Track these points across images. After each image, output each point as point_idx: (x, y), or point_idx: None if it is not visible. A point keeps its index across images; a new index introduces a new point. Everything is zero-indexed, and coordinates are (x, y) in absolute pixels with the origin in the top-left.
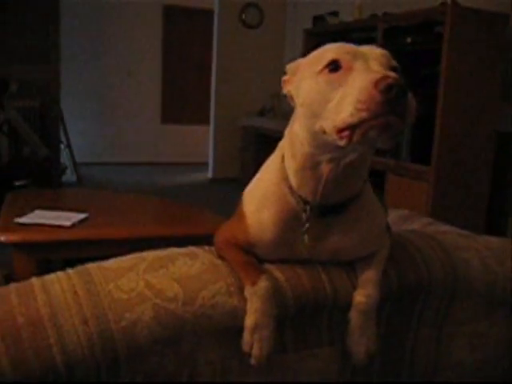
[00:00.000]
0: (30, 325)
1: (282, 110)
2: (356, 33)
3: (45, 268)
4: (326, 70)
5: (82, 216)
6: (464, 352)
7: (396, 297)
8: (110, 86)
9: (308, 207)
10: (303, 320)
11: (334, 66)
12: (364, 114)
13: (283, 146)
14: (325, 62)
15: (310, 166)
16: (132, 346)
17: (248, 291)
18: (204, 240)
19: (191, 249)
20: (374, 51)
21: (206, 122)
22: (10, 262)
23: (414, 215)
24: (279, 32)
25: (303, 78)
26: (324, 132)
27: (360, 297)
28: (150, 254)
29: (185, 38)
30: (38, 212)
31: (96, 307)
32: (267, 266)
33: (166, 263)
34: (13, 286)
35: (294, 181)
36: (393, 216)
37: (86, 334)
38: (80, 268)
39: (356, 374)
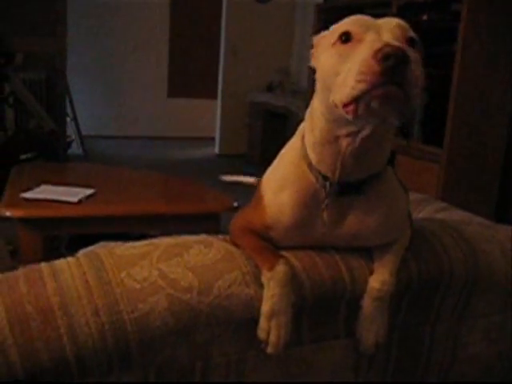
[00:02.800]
0: (39, 314)
1: (290, 86)
2: (369, 9)
3: (50, 244)
4: (339, 42)
5: (89, 192)
6: (481, 345)
7: (416, 288)
8: (117, 59)
9: (328, 183)
10: (320, 310)
11: (345, 37)
12: (363, 86)
13: (303, 127)
14: (338, 33)
15: (329, 140)
16: (145, 337)
17: (265, 276)
18: (210, 218)
19: (205, 236)
20: (389, 22)
21: (213, 96)
22: (16, 237)
23: (427, 199)
24: (290, 7)
25: (322, 51)
26: (336, 106)
27: (374, 282)
28: (162, 242)
29: (193, 11)
30: (43, 187)
31: (108, 297)
32: (284, 253)
33: (181, 251)
34: (21, 271)
35: (312, 156)
36: None
37: (98, 325)
38: (90, 253)
39: (372, 366)
